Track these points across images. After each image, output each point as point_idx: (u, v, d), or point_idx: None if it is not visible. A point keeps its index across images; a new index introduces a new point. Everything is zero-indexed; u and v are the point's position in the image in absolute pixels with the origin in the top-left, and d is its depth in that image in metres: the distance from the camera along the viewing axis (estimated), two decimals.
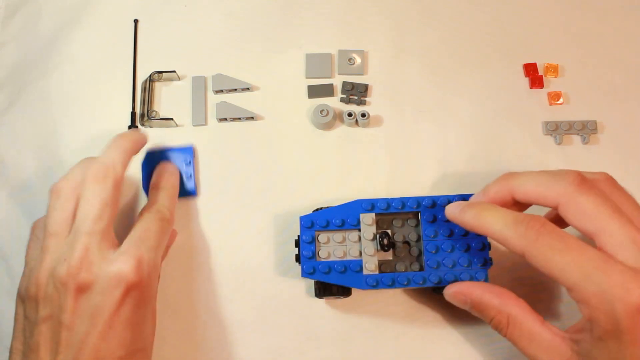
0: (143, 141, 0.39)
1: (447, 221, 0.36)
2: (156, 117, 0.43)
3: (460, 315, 0.39)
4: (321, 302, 0.40)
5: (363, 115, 0.43)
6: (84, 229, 0.33)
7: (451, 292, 0.35)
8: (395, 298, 0.40)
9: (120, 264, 0.32)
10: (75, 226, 0.33)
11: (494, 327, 0.33)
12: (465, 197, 0.37)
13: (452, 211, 0.34)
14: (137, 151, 0.38)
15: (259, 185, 0.42)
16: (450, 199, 0.37)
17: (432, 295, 0.39)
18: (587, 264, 0.28)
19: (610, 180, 0.33)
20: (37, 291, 0.33)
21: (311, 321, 0.39)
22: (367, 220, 0.37)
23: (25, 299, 0.33)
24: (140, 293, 0.33)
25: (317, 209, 0.38)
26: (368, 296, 0.40)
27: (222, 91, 0.44)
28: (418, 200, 0.37)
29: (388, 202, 0.37)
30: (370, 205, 0.37)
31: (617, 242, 0.29)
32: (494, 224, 0.31)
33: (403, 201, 0.37)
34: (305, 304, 0.40)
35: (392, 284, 0.36)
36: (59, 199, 0.34)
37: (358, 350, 0.39)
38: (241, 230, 0.41)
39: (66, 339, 0.31)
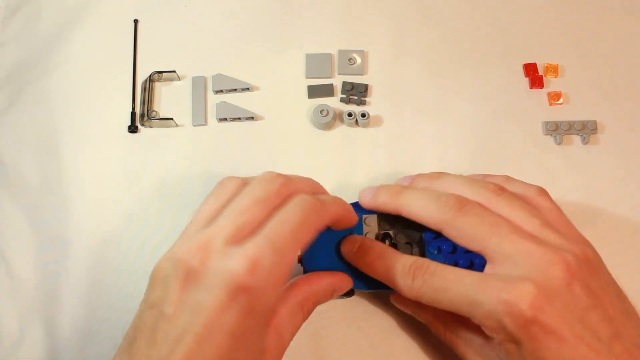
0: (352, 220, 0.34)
1: None
2: (156, 117, 0.43)
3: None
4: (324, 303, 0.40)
5: (363, 115, 0.43)
6: (261, 242, 0.28)
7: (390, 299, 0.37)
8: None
9: (233, 261, 0.27)
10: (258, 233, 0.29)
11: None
12: None
13: (365, 196, 0.35)
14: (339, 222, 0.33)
15: None
16: None
17: None
18: (468, 290, 0.29)
19: (500, 188, 0.32)
20: (155, 273, 0.29)
21: (313, 321, 0.39)
22: (370, 221, 0.37)
23: (149, 281, 0.29)
24: (251, 300, 0.27)
25: None
26: (370, 296, 0.40)
27: (222, 91, 0.44)
28: None
29: None
30: None
31: (501, 257, 0.29)
32: (409, 202, 0.33)
33: None
34: None
35: None
36: (257, 199, 0.30)
37: (360, 350, 0.39)
38: None
39: (163, 332, 0.27)
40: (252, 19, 0.46)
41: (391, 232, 0.37)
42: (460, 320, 0.33)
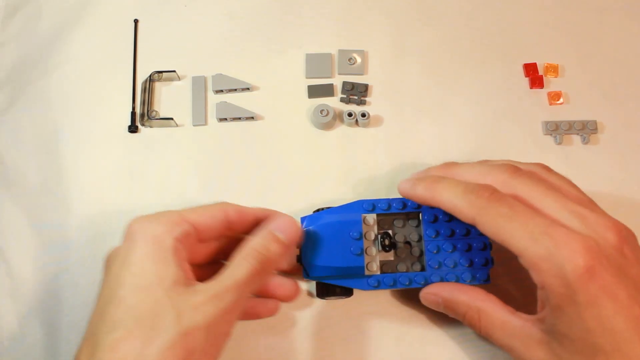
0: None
1: (449, 221, 0.36)
2: (156, 117, 0.43)
3: None
4: (323, 302, 0.40)
5: (363, 115, 0.43)
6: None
7: (423, 294, 0.36)
8: (397, 298, 0.40)
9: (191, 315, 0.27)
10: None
11: (468, 324, 0.33)
12: None
13: (404, 187, 0.35)
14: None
15: (259, 186, 0.42)
16: None
17: None
18: (534, 228, 0.28)
19: (536, 174, 0.33)
20: None
21: (314, 321, 0.39)
22: (369, 220, 0.37)
23: None
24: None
25: (317, 210, 0.38)
26: (370, 296, 0.40)
27: (222, 91, 0.44)
28: None
29: (389, 202, 0.37)
30: (371, 205, 0.37)
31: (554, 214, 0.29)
32: (445, 194, 0.32)
33: (404, 201, 0.37)
34: (307, 304, 0.40)
35: (394, 285, 0.36)
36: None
37: (360, 350, 0.39)
38: None
39: None
40: (252, 19, 0.46)
41: (390, 232, 0.37)
42: (496, 306, 0.32)
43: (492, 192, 0.30)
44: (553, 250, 0.27)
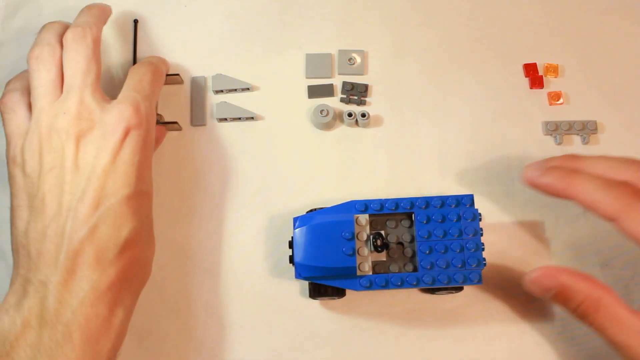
0: (109, 9, 0.42)
1: (441, 222, 0.36)
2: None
3: (456, 317, 0.39)
4: (317, 303, 0.40)
5: (363, 115, 0.43)
6: (75, 84, 0.35)
7: (535, 276, 0.33)
8: (392, 299, 0.40)
9: (119, 109, 0.35)
10: (66, 85, 0.36)
11: (579, 314, 0.32)
12: (461, 199, 0.37)
13: (532, 174, 0.33)
14: (106, 19, 0.41)
15: (259, 186, 0.42)
16: (443, 200, 0.37)
17: (428, 296, 0.39)
18: None
19: None
20: (40, 146, 0.34)
21: (308, 322, 0.39)
22: (361, 221, 0.37)
23: (26, 160, 0.34)
24: (140, 134, 0.35)
25: (310, 210, 0.38)
26: (364, 297, 0.40)
27: (222, 91, 0.44)
28: (412, 201, 0.37)
29: (381, 202, 0.37)
30: (363, 206, 0.37)
31: None
32: (583, 187, 0.30)
33: (397, 202, 0.37)
34: (301, 304, 0.40)
35: (386, 285, 0.36)
36: (40, 63, 0.36)
37: (355, 350, 0.39)
38: (240, 230, 0.41)
39: (71, 181, 0.33)
40: (252, 19, 0.46)
41: (382, 232, 0.37)
42: (616, 301, 0.31)
43: (637, 190, 0.28)
44: None
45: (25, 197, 0.34)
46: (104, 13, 0.41)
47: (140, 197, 0.35)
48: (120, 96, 0.36)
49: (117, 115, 0.35)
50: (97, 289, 0.31)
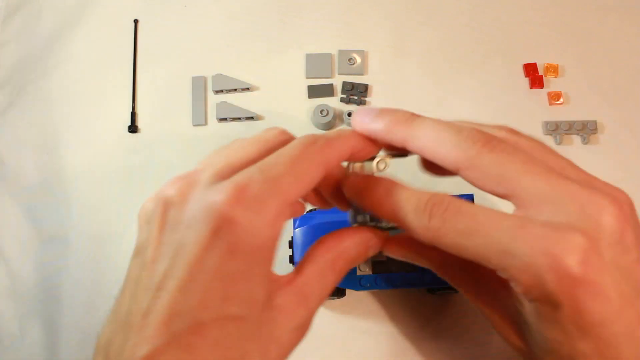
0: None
1: None
2: None
3: (456, 317, 0.39)
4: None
5: None
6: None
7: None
8: (392, 299, 0.40)
9: (216, 191, 0.22)
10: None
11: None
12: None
13: (361, 120, 0.27)
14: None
15: None
16: None
17: (428, 296, 0.39)
18: (502, 237, 0.23)
19: (513, 130, 0.27)
20: (140, 215, 0.26)
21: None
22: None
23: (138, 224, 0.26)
24: (236, 234, 0.22)
25: (310, 210, 0.38)
26: (364, 297, 0.40)
27: (222, 91, 0.44)
28: None
29: None
30: None
31: (537, 199, 0.23)
32: (425, 132, 0.26)
33: None
34: None
35: (386, 285, 0.36)
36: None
37: (355, 350, 0.39)
38: None
39: (145, 280, 0.23)
40: (252, 19, 0.46)
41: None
42: (473, 269, 0.28)
43: (445, 208, 0.25)
44: (528, 259, 0.22)
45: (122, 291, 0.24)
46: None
47: (222, 325, 0.22)
48: (246, 169, 0.24)
49: (210, 201, 0.22)
50: None
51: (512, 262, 0.23)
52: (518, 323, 0.26)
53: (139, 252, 0.24)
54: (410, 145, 0.27)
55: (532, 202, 0.23)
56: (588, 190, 0.23)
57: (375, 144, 0.27)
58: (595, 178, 0.26)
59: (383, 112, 0.27)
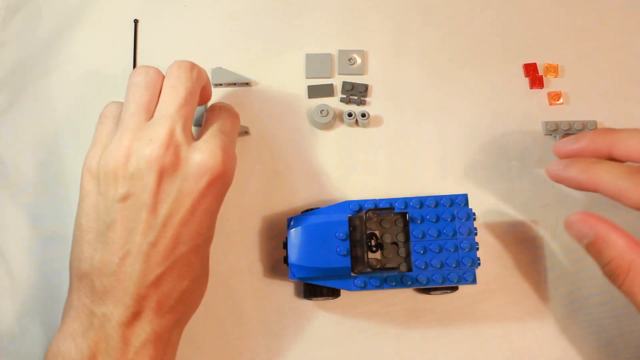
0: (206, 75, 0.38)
1: (436, 222, 0.36)
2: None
3: (453, 317, 0.39)
4: (313, 304, 0.40)
5: (363, 115, 0.43)
6: (168, 113, 0.33)
7: (574, 219, 0.31)
8: (387, 299, 0.40)
9: (208, 153, 0.32)
10: (159, 110, 0.34)
11: (608, 272, 0.30)
12: (455, 198, 0.37)
13: (554, 169, 0.33)
14: (205, 80, 0.37)
15: (258, 186, 0.42)
16: (437, 200, 0.37)
17: (423, 296, 0.39)
18: None
19: None
20: (116, 168, 0.32)
21: (303, 323, 0.39)
22: (355, 221, 0.36)
23: (101, 174, 0.33)
24: (222, 184, 0.33)
25: (305, 210, 0.38)
26: (360, 297, 0.40)
27: (221, 85, 0.44)
28: (406, 201, 0.37)
29: (376, 203, 0.37)
30: (358, 206, 0.37)
31: None
32: (606, 175, 0.29)
33: (391, 202, 0.37)
34: (296, 305, 0.40)
35: (380, 285, 0.36)
36: (138, 86, 0.34)
37: (351, 351, 0.39)
38: (240, 230, 0.41)
39: (145, 221, 0.31)
40: (252, 19, 0.46)
41: (377, 232, 0.37)
42: None
43: None
44: None
45: (94, 218, 0.33)
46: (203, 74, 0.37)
47: (207, 243, 0.34)
48: (206, 135, 0.34)
49: (205, 161, 0.32)
50: (157, 332, 0.31)
51: None
52: None
53: (128, 196, 0.32)
54: (599, 189, 0.31)
55: None
56: None
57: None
58: None
59: (572, 162, 0.33)
